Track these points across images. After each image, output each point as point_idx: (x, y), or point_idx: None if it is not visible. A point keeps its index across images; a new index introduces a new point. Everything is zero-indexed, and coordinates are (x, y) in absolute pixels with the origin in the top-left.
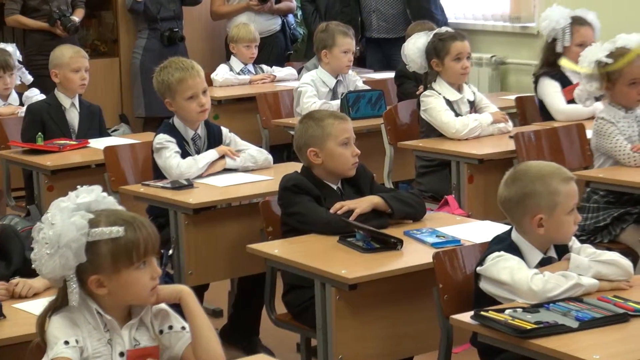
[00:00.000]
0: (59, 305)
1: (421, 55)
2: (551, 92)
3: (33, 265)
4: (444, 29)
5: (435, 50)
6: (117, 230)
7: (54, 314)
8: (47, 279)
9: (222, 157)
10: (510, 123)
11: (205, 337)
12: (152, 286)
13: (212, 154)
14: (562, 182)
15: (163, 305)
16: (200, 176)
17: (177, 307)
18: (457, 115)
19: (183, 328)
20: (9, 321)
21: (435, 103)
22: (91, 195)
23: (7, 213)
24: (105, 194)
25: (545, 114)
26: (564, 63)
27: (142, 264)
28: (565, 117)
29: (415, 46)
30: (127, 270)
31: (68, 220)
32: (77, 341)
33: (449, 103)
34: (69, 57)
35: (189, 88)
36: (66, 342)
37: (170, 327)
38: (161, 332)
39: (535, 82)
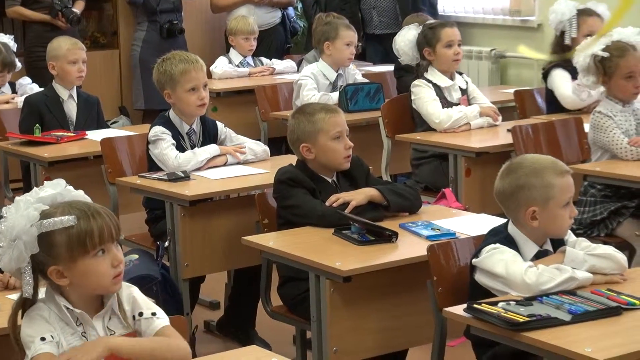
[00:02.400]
0: (26, 299)
1: (412, 47)
2: (561, 80)
3: None
4: (431, 20)
5: (426, 39)
6: (67, 220)
7: (24, 315)
8: (7, 272)
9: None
10: (500, 118)
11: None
12: (114, 274)
13: (213, 149)
14: (557, 175)
15: (132, 292)
16: (198, 169)
17: (146, 291)
18: (447, 101)
19: (154, 314)
20: (2, 312)
21: (423, 93)
22: (56, 188)
23: (4, 204)
24: (71, 187)
25: (554, 107)
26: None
27: (101, 251)
28: (572, 103)
29: (405, 38)
30: (83, 259)
31: (21, 212)
32: (52, 337)
33: (440, 89)
34: (66, 49)
35: (192, 80)
36: (42, 339)
37: (141, 314)
38: (133, 318)
39: (545, 76)
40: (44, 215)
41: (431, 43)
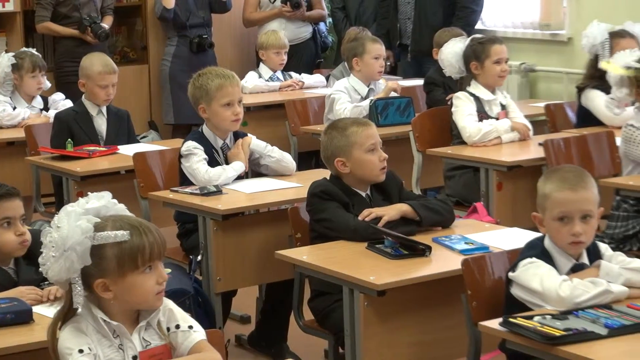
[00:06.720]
0: (67, 310)
1: (459, 60)
2: (600, 100)
3: (40, 269)
4: (479, 35)
5: (475, 54)
6: (122, 234)
7: (62, 328)
8: (54, 282)
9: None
10: (530, 134)
11: None
12: (157, 291)
13: (239, 167)
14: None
15: (168, 304)
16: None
17: (179, 305)
18: (487, 115)
19: (190, 327)
20: (38, 325)
21: (461, 106)
22: (101, 201)
23: (36, 219)
24: (115, 200)
25: (587, 123)
26: (605, 66)
27: (148, 268)
28: (609, 121)
29: (452, 50)
30: (132, 274)
31: (74, 223)
32: (89, 349)
33: (481, 103)
34: (97, 72)
35: (227, 95)
36: (80, 351)
37: (177, 326)
38: (168, 329)
39: (579, 93)
40: (96, 227)
41: (480, 58)
